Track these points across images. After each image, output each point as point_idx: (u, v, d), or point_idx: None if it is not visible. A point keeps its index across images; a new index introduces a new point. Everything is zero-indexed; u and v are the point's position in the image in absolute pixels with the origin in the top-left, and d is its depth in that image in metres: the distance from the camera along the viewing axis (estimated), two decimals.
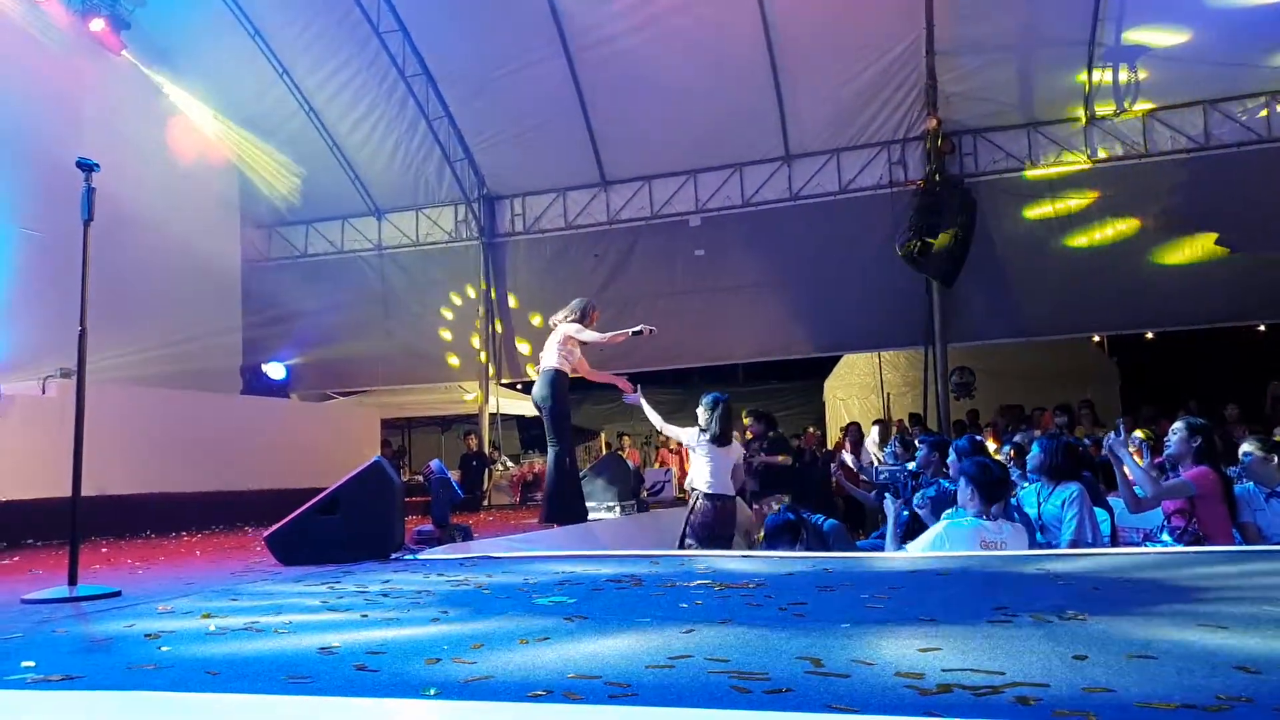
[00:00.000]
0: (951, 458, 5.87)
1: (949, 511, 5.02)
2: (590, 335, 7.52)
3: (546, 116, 13.20)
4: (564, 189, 14.15)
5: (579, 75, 12.66)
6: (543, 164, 13.86)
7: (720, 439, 6.96)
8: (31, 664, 2.49)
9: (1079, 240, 12.02)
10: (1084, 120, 12.00)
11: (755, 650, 2.41)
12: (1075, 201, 12.07)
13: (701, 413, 7.05)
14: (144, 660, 2.51)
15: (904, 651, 2.33)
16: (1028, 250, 12.23)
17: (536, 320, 13.95)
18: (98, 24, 11.22)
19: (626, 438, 13.56)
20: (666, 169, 13.60)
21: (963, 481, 4.72)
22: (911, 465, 7.37)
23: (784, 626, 2.79)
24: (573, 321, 7.61)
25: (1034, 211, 12.23)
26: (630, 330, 7.62)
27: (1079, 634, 2.53)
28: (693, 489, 7.16)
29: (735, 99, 12.54)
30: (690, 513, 7.17)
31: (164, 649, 2.68)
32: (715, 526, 7.03)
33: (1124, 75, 11.60)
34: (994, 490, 4.65)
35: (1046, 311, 12.15)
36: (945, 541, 4.55)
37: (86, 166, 4.14)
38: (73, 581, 4.00)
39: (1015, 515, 4.88)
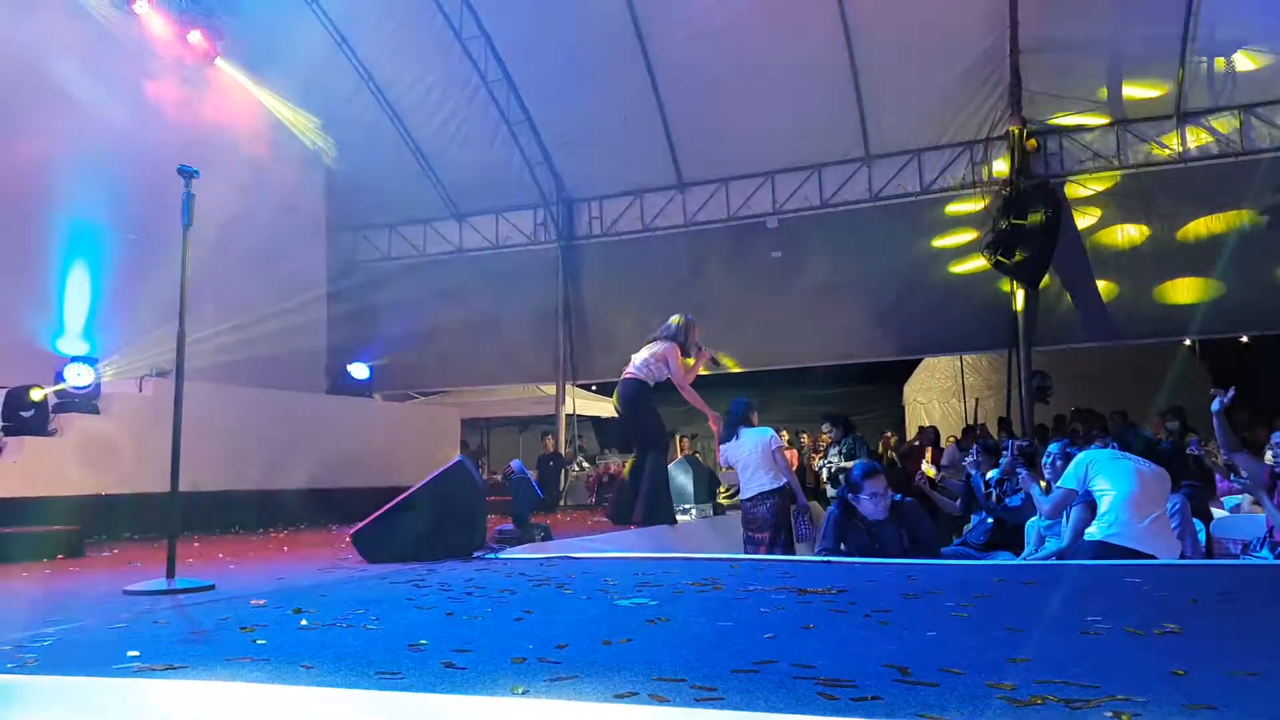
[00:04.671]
0: (1047, 461, 5.72)
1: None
2: (675, 373, 7.49)
3: (625, 119, 13.25)
4: (641, 191, 14.19)
5: (657, 78, 12.69)
6: (620, 167, 13.92)
7: (725, 438, 7.16)
8: (136, 653, 2.59)
9: (1169, 241, 11.63)
10: (1175, 118, 11.60)
11: (841, 657, 2.39)
12: (1166, 201, 11.68)
13: None
14: (241, 652, 2.59)
15: (993, 661, 2.29)
16: (1115, 251, 11.89)
17: (618, 320, 14.01)
18: (195, 35, 11.65)
19: (684, 440, 13.45)
20: (744, 170, 13.54)
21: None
22: (994, 472, 7.21)
23: (869, 633, 2.76)
24: (667, 340, 7.58)
25: (1122, 211, 11.88)
26: (706, 358, 7.71)
27: (1175, 648, 2.45)
28: None
29: (814, 100, 12.44)
30: None
31: (259, 642, 2.77)
32: (760, 525, 6.93)
33: (1219, 71, 11.20)
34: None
35: (1135, 314, 11.79)
36: (1088, 461, 4.62)
37: (187, 173, 4.27)
38: (170, 574, 4.14)
39: None
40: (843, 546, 5.24)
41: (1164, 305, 11.58)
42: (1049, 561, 4.30)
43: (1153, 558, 4.35)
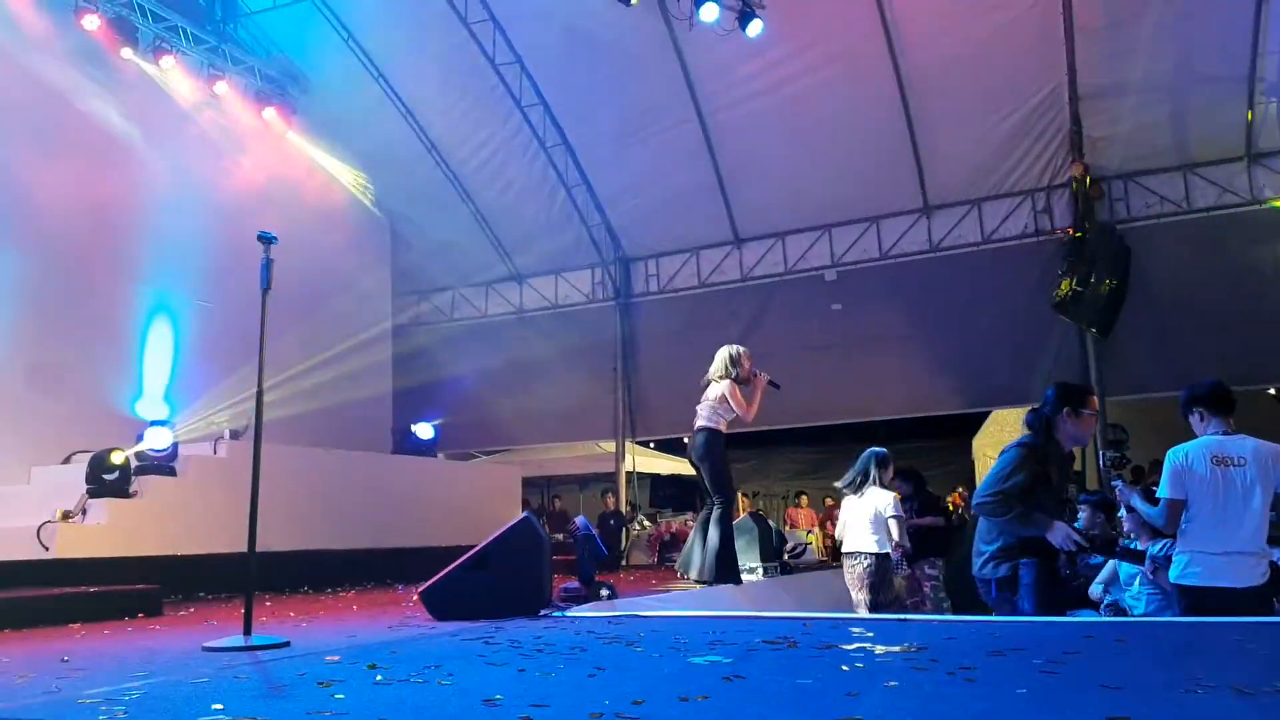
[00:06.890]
0: (1123, 513, 5.52)
1: None
2: (739, 407, 7.30)
3: (680, 177, 13.36)
4: (697, 248, 14.26)
5: (711, 136, 12.80)
6: (676, 224, 14.03)
7: (851, 487, 7.20)
8: (220, 707, 2.61)
9: (1246, 285, 11.29)
10: (1245, 160, 11.38)
11: (929, 715, 2.32)
12: (1240, 244, 11.39)
13: None
14: (321, 707, 2.60)
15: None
16: (1190, 297, 11.55)
17: (676, 377, 13.92)
18: (269, 112, 12.15)
19: (745, 499, 13.12)
20: (800, 225, 13.54)
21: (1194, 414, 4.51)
22: None
23: (955, 690, 2.67)
24: (723, 379, 7.44)
25: (1195, 256, 11.59)
26: (764, 383, 7.56)
27: None
28: None
29: (869, 152, 12.44)
30: None
31: (338, 696, 2.77)
32: (861, 586, 6.89)
33: None
34: (1224, 402, 4.45)
35: (1212, 362, 11.42)
36: (1181, 465, 4.28)
37: (267, 239, 4.41)
38: (247, 631, 4.20)
39: None
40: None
41: (1244, 352, 11.20)
42: (1146, 619, 4.10)
43: (1234, 589, 4.09)
